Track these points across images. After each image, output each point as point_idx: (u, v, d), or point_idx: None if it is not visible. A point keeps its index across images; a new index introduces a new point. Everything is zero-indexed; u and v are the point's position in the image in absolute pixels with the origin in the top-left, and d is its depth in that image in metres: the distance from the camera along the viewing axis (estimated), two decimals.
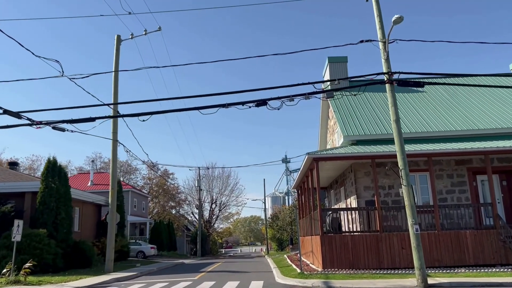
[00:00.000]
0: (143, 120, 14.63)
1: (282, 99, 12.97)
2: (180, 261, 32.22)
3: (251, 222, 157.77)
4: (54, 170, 20.81)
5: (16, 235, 15.43)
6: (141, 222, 44.25)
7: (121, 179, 49.41)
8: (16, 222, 15.46)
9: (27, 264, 15.35)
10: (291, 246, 42.91)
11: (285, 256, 27.36)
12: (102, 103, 14.36)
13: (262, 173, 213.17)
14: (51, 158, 20.98)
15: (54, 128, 14.54)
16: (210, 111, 13.41)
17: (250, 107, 13.49)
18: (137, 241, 36.23)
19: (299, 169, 20.33)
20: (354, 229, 18.04)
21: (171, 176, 55.30)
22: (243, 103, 13.37)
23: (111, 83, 21.08)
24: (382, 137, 18.43)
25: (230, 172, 61.58)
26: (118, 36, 21.49)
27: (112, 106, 20.25)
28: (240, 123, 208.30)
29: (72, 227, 21.67)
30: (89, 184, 41.04)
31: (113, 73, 21.04)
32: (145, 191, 51.07)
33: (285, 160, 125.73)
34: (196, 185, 51.93)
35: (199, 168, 51.85)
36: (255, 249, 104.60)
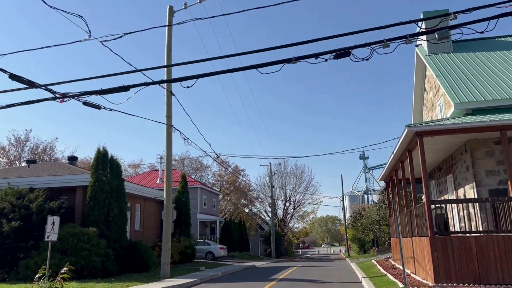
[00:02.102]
0: (187, 87, 11.50)
1: (372, 46, 9.02)
2: (251, 263, 29.05)
3: (328, 221, 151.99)
4: (104, 161, 18.58)
5: (51, 234, 13.06)
6: (211, 220, 41.99)
7: (192, 176, 47.71)
8: (50, 218, 13.10)
9: (64, 269, 12.88)
10: (376, 249, 37.97)
11: (373, 261, 22.95)
12: (136, 69, 11.39)
13: (337, 171, 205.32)
14: (101, 148, 18.80)
15: (85, 104, 11.89)
16: (272, 69, 9.88)
17: (326, 60, 9.73)
18: (206, 241, 33.76)
19: (380, 165, 15.87)
20: (472, 229, 13.38)
21: (242, 172, 52.69)
22: (316, 55, 9.64)
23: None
24: (509, 104, 13.58)
25: (304, 168, 57.74)
26: (171, 7, 18.75)
27: (165, 85, 17.54)
28: (319, 116, 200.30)
29: (126, 225, 19.32)
30: (157, 181, 39.58)
31: (166, 52, 18.28)
32: (216, 189, 48.94)
33: (363, 157, 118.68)
34: (268, 181, 48.72)
35: (270, 164, 48.68)
36: (333, 250, 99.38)
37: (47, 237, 12.99)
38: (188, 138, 18.86)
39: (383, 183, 27.72)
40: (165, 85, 17.63)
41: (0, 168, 31.21)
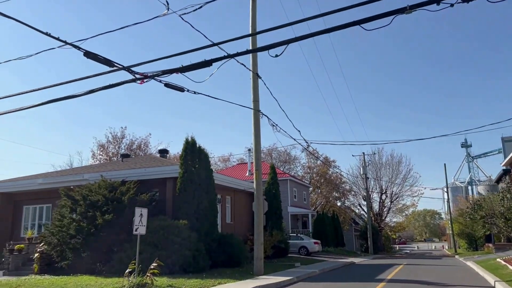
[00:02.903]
0: (276, 55, 9.97)
1: None
2: (349, 260, 26.89)
3: (426, 215, 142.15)
4: (193, 151, 17.85)
5: (139, 227, 12.41)
6: (303, 213, 40.36)
7: (281, 169, 46.51)
8: (138, 211, 12.45)
9: (153, 264, 12.18)
10: (492, 245, 33.38)
11: (498, 260, 19.52)
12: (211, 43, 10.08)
13: (434, 162, 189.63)
14: (189, 138, 18.09)
15: (167, 86, 10.92)
16: (379, 24, 7.98)
17: (452, 5, 7.61)
18: (299, 235, 32.23)
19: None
20: None
21: (332, 164, 50.24)
22: (438, 0, 7.53)
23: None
24: None
25: (401, 158, 53.36)
26: None
27: (250, 66, 16.22)
28: (428, 92, 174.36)
29: (217, 217, 18.42)
30: (247, 174, 38.95)
31: (250, 16, 16.91)
32: (305, 181, 47.17)
33: (465, 145, 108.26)
34: (362, 172, 45.72)
35: (364, 153, 45.60)
36: (434, 246, 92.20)
37: (135, 230, 12.35)
38: (276, 125, 17.38)
39: (491, 173, 23.70)
40: (250, 66, 16.33)
41: (96, 163, 32.77)
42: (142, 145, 39.91)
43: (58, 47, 9.03)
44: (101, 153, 39.10)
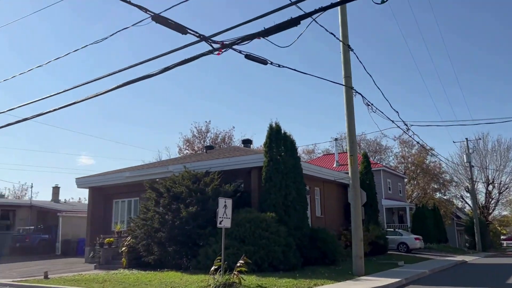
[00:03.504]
0: (382, 2, 7.97)
1: None
2: (459, 258, 23.56)
3: None
4: (278, 138, 16.28)
5: (224, 219, 11.15)
6: (399, 207, 37.00)
7: (371, 159, 43.35)
8: (221, 201, 11.20)
9: (240, 261, 10.83)
10: None
11: None
12: None
13: None
14: (273, 124, 16.55)
15: (248, 57, 9.48)
16: None
17: None
18: (396, 230, 29.28)
19: None
20: None
21: (430, 152, 45.68)
22: None
23: None
24: None
25: (511, 144, 47.03)
26: None
27: (340, 36, 14.20)
28: None
29: (306, 210, 16.70)
30: (334, 165, 36.65)
31: None
32: (400, 172, 43.43)
33: None
34: (466, 161, 40.80)
35: (467, 139, 40.74)
36: None
37: (220, 223, 11.10)
38: (371, 104, 15.17)
39: None
40: (340, 36, 14.31)
41: (181, 156, 32.82)
42: (226, 138, 39.57)
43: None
44: (187, 148, 39.50)
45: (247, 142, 23.04)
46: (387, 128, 60.73)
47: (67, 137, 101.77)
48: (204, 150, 24.18)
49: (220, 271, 10.81)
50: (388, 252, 23.64)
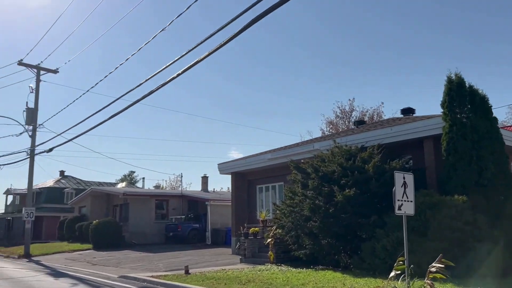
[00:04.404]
0: None
1: None
2: None
3: None
4: (461, 94, 11.90)
5: (403, 202, 7.67)
6: None
7: None
8: (398, 176, 7.81)
9: (435, 264, 7.19)
10: None
11: None
12: None
13: None
14: (453, 76, 12.19)
15: None
16: None
17: None
18: None
19: None
20: None
21: None
22: None
23: None
24: None
25: None
26: None
27: None
28: None
29: None
30: None
31: None
32: None
33: None
34: None
35: None
36: None
37: (398, 208, 7.66)
38: None
39: None
40: None
41: (326, 135, 29.64)
42: (375, 116, 35.04)
43: None
44: (330, 130, 36.21)
45: (407, 112, 18.64)
46: None
47: (218, 130, 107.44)
48: (354, 126, 20.63)
49: (403, 277, 7.39)
50: None
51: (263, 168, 18.92)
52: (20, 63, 25.64)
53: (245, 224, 17.03)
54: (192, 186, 58.21)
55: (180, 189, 38.80)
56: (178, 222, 28.52)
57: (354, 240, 11.97)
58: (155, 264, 16.39)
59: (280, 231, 13.99)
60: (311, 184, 12.88)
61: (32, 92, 26.03)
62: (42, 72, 26.39)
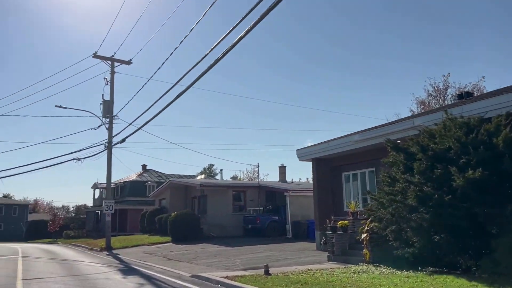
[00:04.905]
0: None
1: None
2: None
3: None
4: None
5: None
6: None
7: None
8: None
9: None
10: None
11: None
12: None
13: None
14: None
15: None
16: None
17: None
18: None
19: None
20: None
21: None
22: None
23: None
24: None
25: None
26: None
27: None
28: None
29: None
30: None
31: None
32: None
33: None
34: None
35: None
36: None
37: None
38: None
39: None
40: None
41: (423, 112, 26.03)
42: (476, 91, 30.52)
43: None
44: (422, 110, 32.33)
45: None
46: None
47: (295, 118, 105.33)
48: (457, 100, 17.32)
49: None
50: None
51: (350, 152, 16.46)
52: (95, 55, 25.60)
53: (332, 217, 14.74)
54: (269, 177, 56.73)
55: (257, 180, 37.29)
56: (256, 214, 26.93)
57: (481, 237, 9.18)
58: (232, 260, 14.78)
59: (376, 224, 11.54)
60: (416, 167, 10.25)
61: (107, 84, 25.93)
62: (116, 64, 26.17)
